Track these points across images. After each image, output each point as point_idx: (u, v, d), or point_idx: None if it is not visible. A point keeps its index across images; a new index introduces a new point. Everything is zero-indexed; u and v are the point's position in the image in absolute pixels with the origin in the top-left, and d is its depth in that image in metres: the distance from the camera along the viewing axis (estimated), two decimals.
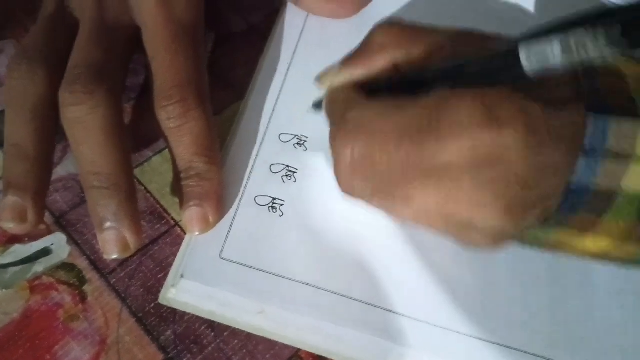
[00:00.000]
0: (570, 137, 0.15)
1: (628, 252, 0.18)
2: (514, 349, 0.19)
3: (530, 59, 0.13)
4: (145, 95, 0.21)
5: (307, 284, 0.19)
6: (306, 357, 0.18)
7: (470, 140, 0.14)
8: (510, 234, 0.16)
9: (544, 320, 0.19)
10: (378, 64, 0.17)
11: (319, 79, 0.19)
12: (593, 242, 0.17)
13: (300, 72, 0.23)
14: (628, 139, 0.15)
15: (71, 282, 0.19)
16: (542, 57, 0.13)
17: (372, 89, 0.17)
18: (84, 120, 0.17)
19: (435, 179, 0.15)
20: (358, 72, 0.17)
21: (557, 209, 0.15)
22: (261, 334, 0.18)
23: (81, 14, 0.20)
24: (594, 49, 0.12)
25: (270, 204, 0.20)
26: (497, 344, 0.19)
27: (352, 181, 0.16)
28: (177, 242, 0.20)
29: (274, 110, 0.23)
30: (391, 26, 0.17)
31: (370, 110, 0.15)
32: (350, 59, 0.18)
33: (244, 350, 0.18)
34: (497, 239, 0.16)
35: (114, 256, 0.18)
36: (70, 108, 0.17)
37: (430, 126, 0.14)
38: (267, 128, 0.22)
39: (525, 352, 0.19)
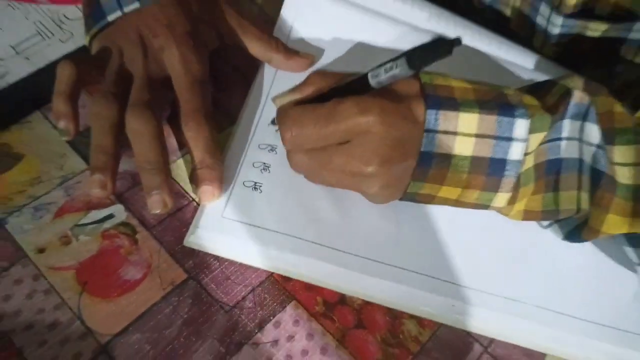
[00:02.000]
0: (412, 119, 0.27)
1: (473, 197, 0.29)
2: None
3: (372, 80, 0.27)
4: (174, 117, 0.33)
5: (268, 229, 0.30)
6: (277, 277, 0.30)
7: (351, 123, 0.26)
8: (392, 184, 0.28)
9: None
10: (308, 90, 0.29)
11: (274, 99, 0.31)
12: (448, 191, 0.29)
13: (272, 109, 0.35)
14: (452, 122, 0.27)
15: (127, 233, 0.30)
16: (376, 78, 0.27)
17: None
18: (140, 130, 0.29)
19: (338, 148, 0.27)
20: (297, 95, 0.30)
21: (416, 167, 0.27)
22: (248, 264, 0.30)
23: (133, 69, 0.32)
24: (396, 71, 0.25)
25: (253, 186, 0.32)
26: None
27: (294, 156, 0.28)
28: (193, 210, 0.31)
29: (255, 128, 0.34)
30: (318, 73, 0.30)
31: (300, 110, 0.28)
32: (293, 89, 0.30)
33: (237, 272, 0.29)
34: (385, 189, 0.28)
35: (157, 211, 0.29)
36: (132, 123, 0.29)
37: (331, 116, 0.26)
38: (250, 140, 0.34)
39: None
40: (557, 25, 0.43)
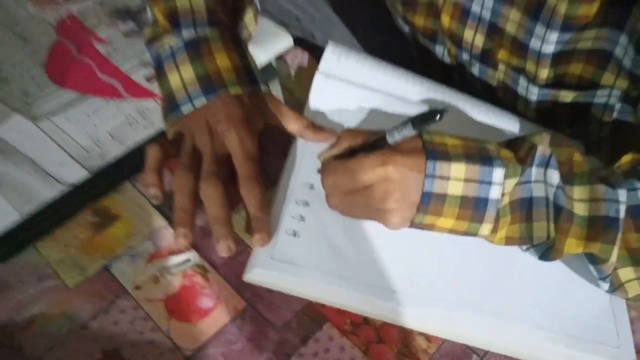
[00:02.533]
0: (417, 168, 0.36)
1: (464, 227, 0.38)
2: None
3: (389, 139, 0.37)
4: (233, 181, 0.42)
5: (306, 267, 0.39)
6: (315, 304, 0.38)
7: (374, 173, 0.36)
8: (405, 218, 0.37)
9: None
10: (343, 146, 0.40)
11: (319, 155, 0.42)
12: (444, 222, 0.38)
13: (304, 172, 0.45)
14: (446, 170, 0.37)
15: (201, 272, 0.39)
16: (392, 138, 0.36)
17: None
18: (211, 194, 0.39)
19: (365, 191, 0.36)
20: (335, 151, 0.41)
21: (420, 203, 0.36)
22: (292, 294, 0.39)
23: (202, 149, 0.42)
24: (405, 132, 0.35)
25: (293, 233, 0.41)
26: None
27: (331, 199, 0.39)
28: (249, 254, 0.41)
29: (292, 188, 0.44)
30: (348, 132, 0.41)
31: (336, 163, 0.38)
32: (332, 146, 0.41)
33: (284, 300, 0.38)
34: (399, 220, 0.38)
35: (224, 255, 0.39)
36: (204, 190, 0.39)
37: (359, 167, 0.37)
38: (289, 197, 0.43)
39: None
40: (534, 94, 0.52)
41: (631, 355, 0.39)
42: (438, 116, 0.35)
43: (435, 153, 0.38)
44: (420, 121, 0.36)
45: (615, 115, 0.51)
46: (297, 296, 0.39)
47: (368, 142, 0.39)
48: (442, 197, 0.38)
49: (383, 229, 0.40)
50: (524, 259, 0.42)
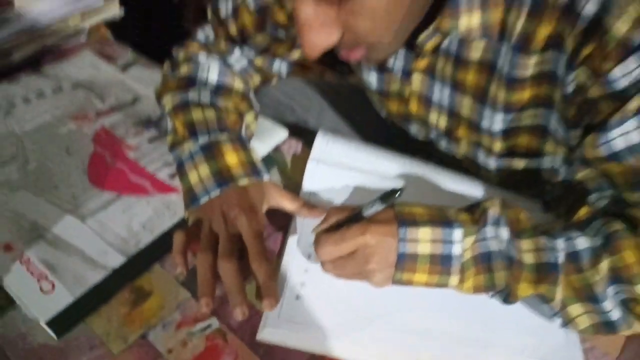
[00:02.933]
0: (391, 234, 0.45)
1: (435, 280, 0.47)
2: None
3: (365, 213, 0.46)
4: (244, 257, 0.52)
5: (308, 324, 0.47)
6: (318, 356, 0.46)
7: (356, 241, 0.45)
8: (387, 276, 0.46)
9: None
10: (332, 221, 0.49)
11: (313, 231, 0.50)
12: (419, 277, 0.46)
13: (302, 245, 0.54)
14: (414, 234, 0.46)
15: (221, 335, 0.48)
16: (367, 212, 0.46)
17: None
18: (227, 270, 0.48)
19: (353, 256, 0.46)
20: (324, 226, 0.49)
21: (396, 262, 0.45)
22: (303, 349, 0.46)
23: (219, 231, 0.52)
24: (377, 207, 0.45)
25: (296, 297, 0.50)
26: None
27: (324, 265, 0.48)
28: (260, 316, 0.49)
29: (294, 259, 0.53)
30: (335, 208, 0.50)
31: (325, 236, 0.47)
32: (322, 221, 0.50)
33: (293, 353, 0.46)
34: (381, 278, 0.46)
35: (239, 319, 0.47)
36: (222, 266, 0.48)
37: (344, 238, 0.46)
38: (291, 267, 0.52)
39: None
40: (492, 164, 0.62)
41: None
42: (398, 193, 0.45)
43: (405, 221, 0.47)
44: (385, 198, 0.46)
45: (562, 176, 0.60)
46: (303, 350, 0.47)
47: (350, 216, 0.49)
48: (414, 257, 0.47)
49: (372, 288, 0.49)
50: (488, 306, 0.50)
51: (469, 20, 0.48)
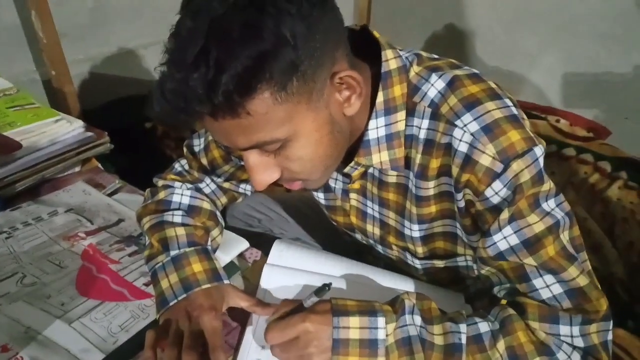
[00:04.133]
0: (327, 322, 0.56)
1: None
2: None
3: (305, 304, 0.58)
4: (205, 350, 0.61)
5: None
6: None
7: (297, 328, 0.57)
8: (323, 358, 0.56)
9: None
10: (281, 312, 0.60)
11: (267, 320, 0.61)
12: (353, 359, 0.56)
13: (257, 337, 0.64)
14: (346, 322, 0.57)
15: None
16: (306, 303, 0.58)
17: None
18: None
19: (295, 340, 0.56)
20: (276, 316, 0.60)
21: (332, 347, 0.56)
22: None
23: (184, 329, 0.61)
24: (313, 299, 0.57)
25: None
26: None
27: (273, 349, 0.58)
28: None
29: (249, 350, 0.62)
30: (285, 301, 0.62)
31: (274, 323, 0.58)
32: (274, 311, 0.61)
33: None
34: None
35: None
36: (184, 356, 0.58)
37: (287, 325, 0.57)
38: (246, 358, 0.61)
39: None
40: (418, 264, 0.74)
41: None
42: (327, 287, 0.57)
43: (339, 311, 0.58)
44: (318, 292, 0.58)
45: (476, 273, 0.72)
46: None
47: (295, 307, 0.60)
48: (347, 342, 0.57)
49: None
50: None
51: (379, 157, 0.64)
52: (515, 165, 0.55)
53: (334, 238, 0.94)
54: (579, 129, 1.63)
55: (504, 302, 0.63)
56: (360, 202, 0.75)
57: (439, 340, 0.57)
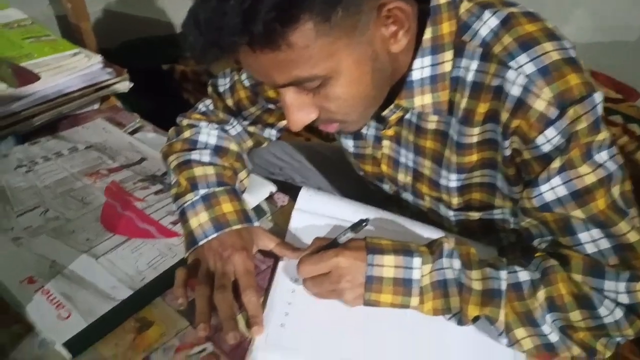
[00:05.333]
0: (361, 258, 0.55)
1: (399, 300, 0.56)
2: None
3: (339, 240, 0.57)
4: (236, 291, 0.59)
5: (290, 348, 0.54)
6: None
7: (330, 262, 0.55)
8: (357, 295, 0.55)
9: None
10: (314, 247, 0.59)
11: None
12: (385, 297, 0.55)
13: (287, 281, 0.62)
14: (380, 260, 0.55)
15: (215, 357, 0.55)
16: (341, 239, 0.56)
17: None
18: (222, 300, 0.56)
19: (327, 275, 0.55)
20: (308, 251, 0.59)
21: (365, 284, 0.54)
22: None
23: (215, 270, 0.60)
24: (348, 235, 0.57)
25: (280, 325, 0.57)
26: None
27: (305, 282, 0.57)
28: (249, 342, 0.56)
29: (277, 295, 0.61)
30: (318, 239, 0.60)
31: (307, 257, 0.57)
32: (307, 248, 0.60)
33: None
34: (352, 297, 0.56)
35: (232, 342, 0.54)
36: (217, 298, 0.56)
37: (320, 259, 0.56)
38: (276, 300, 0.60)
39: None
40: (451, 216, 0.72)
41: None
42: (364, 223, 0.56)
43: (373, 249, 0.56)
44: (354, 227, 0.57)
45: (512, 226, 0.70)
46: None
47: (328, 243, 0.58)
48: (380, 279, 0.55)
49: (348, 312, 0.57)
50: (449, 331, 0.58)
51: (422, 100, 0.60)
52: (572, 112, 0.51)
53: (357, 188, 0.92)
54: (608, 90, 1.58)
55: (539, 254, 0.61)
56: (393, 150, 0.72)
57: (477, 285, 0.55)
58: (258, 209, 0.74)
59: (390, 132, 0.69)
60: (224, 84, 0.79)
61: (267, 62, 0.49)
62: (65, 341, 0.52)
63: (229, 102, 0.79)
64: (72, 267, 0.60)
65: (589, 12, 1.75)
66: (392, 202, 0.82)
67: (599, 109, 0.53)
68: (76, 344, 0.53)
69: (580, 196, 0.54)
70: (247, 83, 0.77)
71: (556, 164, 0.53)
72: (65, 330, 0.53)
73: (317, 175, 1.02)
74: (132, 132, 0.92)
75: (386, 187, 0.80)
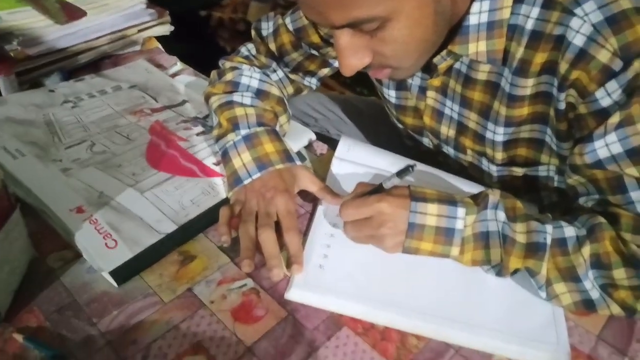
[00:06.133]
0: (404, 206, 0.55)
1: (439, 249, 0.56)
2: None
3: (385, 186, 0.56)
4: (278, 231, 0.60)
5: (328, 288, 0.55)
6: (335, 314, 0.54)
7: (373, 207, 0.55)
8: (397, 242, 0.55)
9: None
10: (357, 192, 0.59)
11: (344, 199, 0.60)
12: (425, 245, 0.56)
13: (325, 225, 0.63)
14: (424, 208, 0.55)
15: (255, 292, 0.56)
16: (386, 184, 0.57)
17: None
18: (265, 238, 0.57)
19: (369, 220, 0.56)
20: (352, 195, 0.59)
21: (407, 230, 0.54)
22: (323, 308, 0.55)
23: (258, 209, 0.61)
24: (394, 180, 0.56)
25: (319, 266, 0.58)
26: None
27: (346, 225, 0.57)
28: (289, 280, 0.57)
29: (316, 237, 0.62)
30: (361, 184, 0.61)
31: (349, 201, 0.57)
32: (352, 193, 0.60)
33: (315, 311, 0.54)
34: (392, 243, 0.56)
35: (275, 279, 0.56)
36: (261, 236, 0.58)
37: (363, 204, 0.56)
38: (315, 242, 0.61)
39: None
40: (494, 171, 0.71)
41: (566, 352, 0.53)
42: (411, 169, 0.55)
43: (417, 197, 0.56)
44: (401, 173, 0.56)
45: (555, 184, 0.69)
46: (323, 309, 0.55)
47: (373, 188, 0.58)
48: (422, 227, 0.55)
49: (385, 258, 0.57)
50: (487, 282, 0.58)
51: (476, 47, 0.58)
52: (638, 64, 0.49)
53: (393, 143, 0.91)
54: None
55: (586, 212, 0.60)
56: (437, 102, 0.70)
57: (521, 238, 0.55)
58: (299, 154, 0.74)
59: (436, 82, 0.68)
60: (267, 27, 0.78)
61: (325, 0, 0.47)
62: (111, 270, 0.54)
63: (272, 46, 0.78)
64: (119, 199, 0.62)
65: None
66: (429, 158, 0.81)
67: None
68: (122, 273, 0.55)
69: (637, 154, 0.52)
70: (291, 27, 0.76)
71: (614, 119, 0.51)
72: (112, 259, 0.55)
73: (352, 128, 1.01)
74: (173, 75, 0.92)
75: (426, 140, 0.79)
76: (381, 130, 0.97)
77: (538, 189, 0.72)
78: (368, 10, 0.48)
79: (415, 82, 0.71)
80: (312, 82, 0.83)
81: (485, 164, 0.71)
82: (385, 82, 0.77)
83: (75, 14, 0.85)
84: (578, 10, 0.51)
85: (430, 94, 0.70)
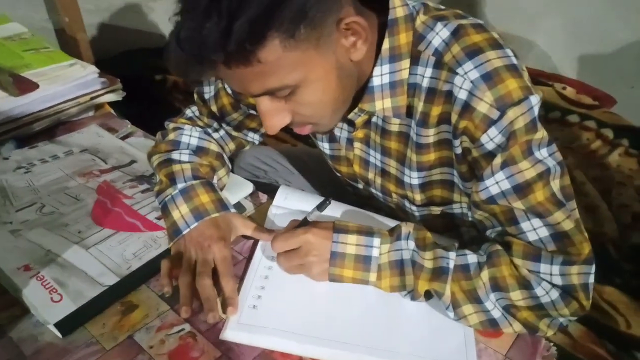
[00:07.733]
0: (328, 237, 0.63)
1: (359, 275, 0.63)
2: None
3: (309, 219, 0.64)
4: (215, 277, 0.65)
5: (261, 327, 0.60)
6: (267, 351, 0.59)
7: (300, 238, 0.63)
8: (323, 270, 0.62)
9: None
10: (289, 227, 0.65)
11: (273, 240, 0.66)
12: (347, 272, 0.63)
13: (261, 267, 0.68)
14: (344, 239, 0.63)
15: (192, 336, 0.60)
16: (310, 217, 0.64)
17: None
18: (203, 286, 0.62)
19: (297, 250, 0.63)
20: (284, 230, 0.66)
21: (330, 259, 0.62)
22: (256, 346, 0.59)
23: (196, 258, 0.66)
24: (315, 213, 0.63)
25: (253, 306, 0.63)
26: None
27: (278, 257, 0.64)
28: (224, 322, 0.62)
29: (253, 280, 0.67)
30: (293, 220, 0.68)
31: (280, 234, 0.65)
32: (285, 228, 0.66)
33: (248, 349, 0.59)
34: (318, 271, 0.63)
35: (211, 322, 0.60)
36: (199, 283, 0.62)
37: (291, 236, 0.63)
38: (251, 285, 0.66)
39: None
40: (416, 211, 0.78)
41: None
42: (328, 202, 0.66)
43: (339, 229, 0.63)
44: (319, 206, 0.66)
45: (470, 219, 0.76)
46: (256, 346, 0.59)
47: (300, 223, 0.65)
48: (343, 255, 0.62)
49: (313, 296, 0.63)
50: (407, 310, 0.64)
51: (382, 104, 0.66)
52: (511, 113, 0.57)
53: (337, 191, 0.98)
54: (584, 97, 1.64)
55: (488, 241, 0.67)
56: (363, 151, 0.78)
57: (428, 264, 0.62)
58: (238, 206, 0.80)
59: (360, 134, 0.76)
60: (208, 91, 0.86)
61: (242, 76, 0.55)
62: (56, 322, 0.58)
63: (214, 108, 0.85)
64: (65, 255, 0.66)
65: (561, 19, 1.81)
66: (367, 202, 0.88)
67: (535, 110, 0.59)
68: (66, 325, 0.59)
69: (521, 189, 0.60)
70: (229, 90, 0.83)
71: (498, 160, 0.59)
72: (57, 312, 0.59)
73: (299, 178, 1.08)
74: (124, 138, 0.99)
75: (360, 186, 0.86)
76: (324, 178, 1.04)
77: (457, 225, 0.79)
78: (279, 80, 0.56)
79: (343, 134, 0.79)
80: (255, 137, 0.90)
81: (408, 205, 0.79)
82: (319, 136, 0.85)
83: (28, 86, 0.92)
84: (459, 70, 0.60)
85: (357, 144, 0.78)
